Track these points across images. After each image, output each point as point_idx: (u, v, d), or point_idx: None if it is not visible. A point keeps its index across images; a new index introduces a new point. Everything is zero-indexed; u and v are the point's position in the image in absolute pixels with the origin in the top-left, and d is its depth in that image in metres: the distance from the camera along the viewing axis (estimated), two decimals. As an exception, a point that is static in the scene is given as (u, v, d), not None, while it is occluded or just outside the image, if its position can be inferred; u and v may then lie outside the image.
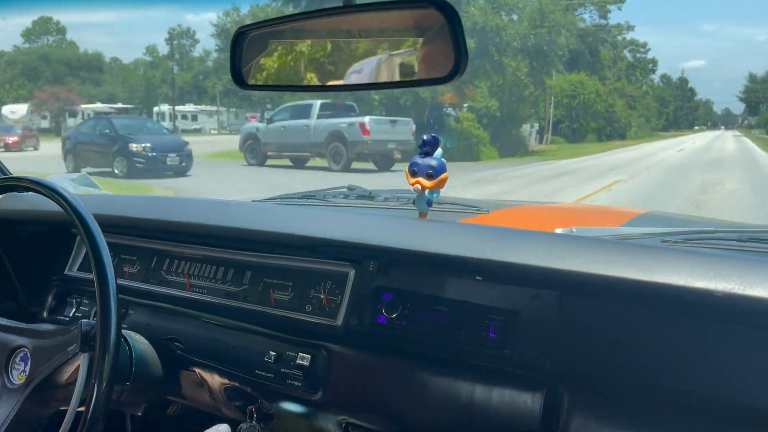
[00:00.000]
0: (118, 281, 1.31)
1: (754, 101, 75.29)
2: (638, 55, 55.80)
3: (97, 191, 1.69)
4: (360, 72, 0.82)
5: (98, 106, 35.12)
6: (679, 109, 76.61)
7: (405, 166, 1.26)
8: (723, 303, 0.82)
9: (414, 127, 16.99)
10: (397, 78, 0.81)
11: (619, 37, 49.23)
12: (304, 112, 17.31)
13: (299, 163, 17.38)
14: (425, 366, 1.04)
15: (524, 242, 1.02)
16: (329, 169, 15.66)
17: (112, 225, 1.34)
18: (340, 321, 1.10)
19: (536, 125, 32.45)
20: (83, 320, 0.94)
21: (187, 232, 1.30)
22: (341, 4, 0.81)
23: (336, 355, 1.10)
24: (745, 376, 0.84)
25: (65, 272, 1.46)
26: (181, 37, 47.45)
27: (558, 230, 1.25)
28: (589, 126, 37.69)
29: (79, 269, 1.45)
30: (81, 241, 1.48)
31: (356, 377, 1.10)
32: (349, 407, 1.11)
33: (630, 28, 49.98)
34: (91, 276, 1.28)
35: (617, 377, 0.92)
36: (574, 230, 1.25)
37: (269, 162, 17.53)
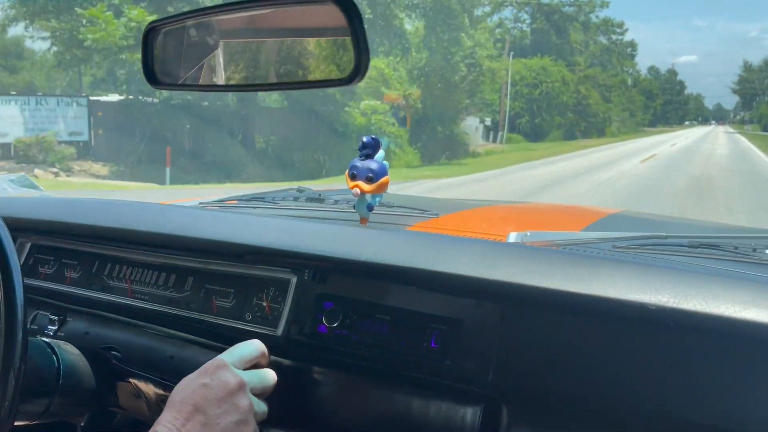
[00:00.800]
0: (58, 287, 1.33)
1: (749, 93, 70.70)
2: (614, 37, 49.54)
3: (38, 193, 1.65)
4: (266, 71, 0.80)
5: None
6: (668, 103, 72.69)
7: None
8: (657, 316, 0.82)
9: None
10: (300, 78, 0.81)
11: (592, 16, 44.09)
12: None
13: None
14: (364, 379, 1.03)
15: (459, 251, 1.01)
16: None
17: (50, 229, 1.33)
18: (280, 330, 1.08)
19: (487, 120, 27.98)
20: None
21: (126, 238, 1.28)
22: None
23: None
24: (684, 390, 0.83)
25: None
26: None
27: (512, 234, 1.25)
28: (553, 121, 32.65)
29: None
30: (19, 247, 1.45)
31: (295, 391, 1.08)
32: (286, 421, 1.08)
33: (604, 4, 44.32)
34: (31, 283, 1.32)
35: (558, 390, 0.90)
36: (528, 234, 1.26)
37: None
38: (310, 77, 0.80)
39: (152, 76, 0.91)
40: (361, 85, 16.24)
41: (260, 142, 16.51)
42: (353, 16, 0.71)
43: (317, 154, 15.90)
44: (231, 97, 14.94)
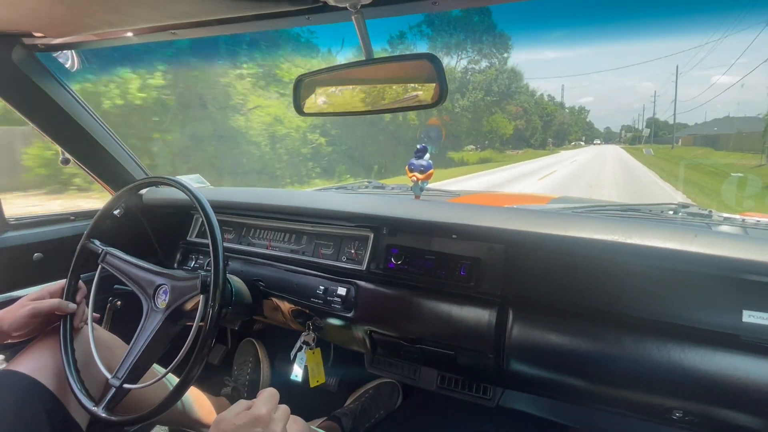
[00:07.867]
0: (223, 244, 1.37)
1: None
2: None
3: (207, 185, 1.75)
4: (379, 101, 0.93)
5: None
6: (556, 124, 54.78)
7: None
8: (612, 248, 0.92)
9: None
10: (403, 105, 0.90)
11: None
12: None
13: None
14: (420, 294, 1.16)
15: (481, 213, 1.12)
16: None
17: (216, 207, 1.41)
18: (364, 266, 1.23)
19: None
20: (201, 272, 1.01)
21: (266, 211, 1.41)
22: (364, 59, 0.90)
23: (362, 288, 1.22)
24: (629, 295, 0.96)
25: (187, 238, 1.61)
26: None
27: (506, 206, 1.31)
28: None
29: (196, 236, 1.60)
30: (197, 217, 1.57)
31: (376, 302, 1.21)
32: (372, 321, 1.23)
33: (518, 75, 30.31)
34: (204, 240, 1.41)
35: (544, 299, 1.05)
36: (515, 207, 1.34)
37: None
38: (412, 103, 0.88)
39: (300, 109, 1.01)
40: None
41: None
42: (438, 64, 0.83)
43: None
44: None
